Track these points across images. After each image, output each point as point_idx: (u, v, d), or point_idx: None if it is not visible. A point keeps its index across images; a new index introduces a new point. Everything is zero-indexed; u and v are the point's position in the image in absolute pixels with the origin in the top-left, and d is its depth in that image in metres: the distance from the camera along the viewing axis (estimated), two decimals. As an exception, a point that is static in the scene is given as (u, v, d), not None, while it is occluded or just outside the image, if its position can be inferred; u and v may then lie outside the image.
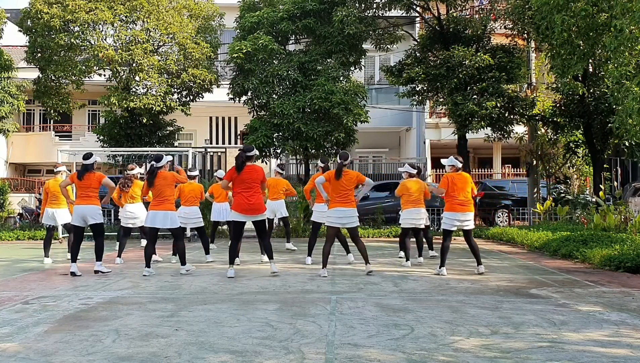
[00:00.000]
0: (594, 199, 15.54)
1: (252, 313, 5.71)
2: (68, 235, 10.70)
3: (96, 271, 8.66)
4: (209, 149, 20.35)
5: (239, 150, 8.53)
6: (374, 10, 17.88)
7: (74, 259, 8.60)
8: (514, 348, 4.43)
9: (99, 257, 8.69)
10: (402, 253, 10.13)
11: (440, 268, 8.51)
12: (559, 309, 5.94)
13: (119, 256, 10.27)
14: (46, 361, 4.14)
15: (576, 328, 5.08)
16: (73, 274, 8.44)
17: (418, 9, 18.29)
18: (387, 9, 17.54)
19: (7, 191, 20.35)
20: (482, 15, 17.79)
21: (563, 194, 17.82)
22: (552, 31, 11.79)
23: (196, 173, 10.99)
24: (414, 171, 10.03)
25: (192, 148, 19.23)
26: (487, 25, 17.36)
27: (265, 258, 10.05)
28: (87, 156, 8.76)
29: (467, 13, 18.38)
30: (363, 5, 17.76)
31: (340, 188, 8.24)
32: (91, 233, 8.89)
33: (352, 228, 8.46)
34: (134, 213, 10.46)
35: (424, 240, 10.52)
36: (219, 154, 21.42)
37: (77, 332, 4.97)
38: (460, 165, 8.52)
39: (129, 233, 10.84)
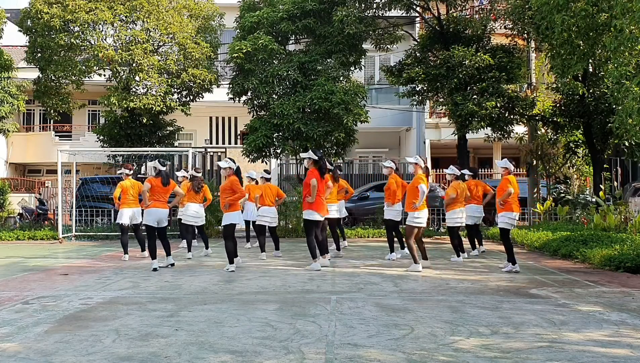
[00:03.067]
0: (594, 199, 15.53)
1: (252, 313, 5.71)
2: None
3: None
4: (209, 149, 20.36)
5: (318, 158, 9.08)
6: (374, 10, 17.86)
7: (154, 256, 9.16)
8: (514, 348, 4.44)
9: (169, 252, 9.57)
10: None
11: (514, 265, 8.95)
12: (559, 309, 5.94)
13: (189, 250, 10.98)
14: (46, 361, 4.14)
15: (576, 328, 5.08)
16: (156, 269, 9.03)
17: (418, 9, 18.27)
18: (387, 9, 17.52)
19: (7, 191, 20.34)
20: (482, 15, 17.77)
21: (563, 194, 17.80)
22: (552, 31, 11.79)
23: (269, 176, 11.48)
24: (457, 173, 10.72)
25: (192, 148, 19.22)
26: (487, 25, 17.34)
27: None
28: (164, 162, 9.28)
29: (467, 13, 18.36)
30: (363, 5, 17.74)
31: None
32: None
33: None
34: (198, 212, 11.18)
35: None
36: (219, 154, 21.41)
37: (77, 332, 4.97)
38: (512, 168, 9.23)
39: (194, 231, 11.56)
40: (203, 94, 19.77)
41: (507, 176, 9.10)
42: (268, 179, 11.32)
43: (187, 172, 12.30)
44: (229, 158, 9.56)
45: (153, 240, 9.18)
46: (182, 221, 11.64)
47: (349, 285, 7.58)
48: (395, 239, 10.81)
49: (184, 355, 4.23)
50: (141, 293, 7.02)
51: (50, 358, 4.19)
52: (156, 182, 9.09)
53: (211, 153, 20.02)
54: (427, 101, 19.14)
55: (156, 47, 18.93)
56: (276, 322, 5.31)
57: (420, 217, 9.05)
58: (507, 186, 8.93)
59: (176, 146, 20.98)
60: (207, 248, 11.44)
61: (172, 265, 9.47)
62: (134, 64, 18.01)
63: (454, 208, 10.48)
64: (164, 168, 9.17)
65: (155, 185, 9.08)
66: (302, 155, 10.21)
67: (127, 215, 10.46)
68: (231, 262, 9.07)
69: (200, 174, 11.45)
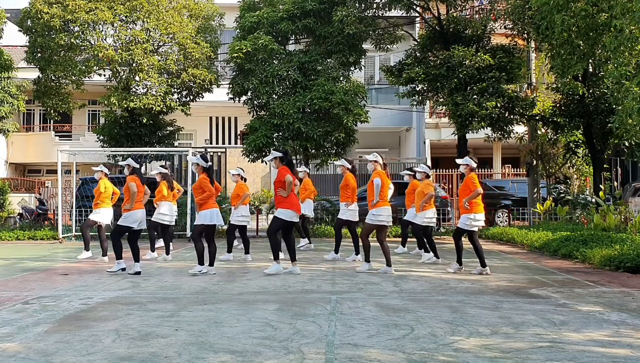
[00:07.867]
0: (594, 199, 15.53)
1: (252, 313, 5.71)
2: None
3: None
4: (209, 149, 20.35)
5: (284, 154, 8.74)
6: (374, 10, 17.86)
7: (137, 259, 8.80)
8: (514, 348, 4.43)
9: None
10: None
11: (460, 266, 8.94)
12: (559, 309, 5.94)
13: (168, 253, 10.81)
14: (46, 361, 4.14)
15: (576, 328, 5.08)
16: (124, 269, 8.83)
17: (418, 9, 18.27)
18: (387, 9, 17.52)
19: (7, 191, 20.33)
20: (482, 15, 17.78)
21: (563, 194, 17.81)
22: (552, 31, 11.79)
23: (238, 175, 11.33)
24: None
25: (192, 148, 19.21)
26: (487, 25, 17.35)
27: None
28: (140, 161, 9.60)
29: (467, 13, 18.37)
30: (363, 5, 17.74)
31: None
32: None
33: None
34: (174, 210, 10.89)
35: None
36: (219, 154, 21.43)
37: (77, 332, 4.97)
38: (474, 165, 8.85)
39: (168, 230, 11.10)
40: (203, 94, 19.77)
41: (470, 173, 8.58)
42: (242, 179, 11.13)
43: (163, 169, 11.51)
44: (200, 155, 9.08)
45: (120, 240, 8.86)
46: (154, 220, 10.79)
47: (349, 285, 7.58)
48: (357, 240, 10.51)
49: (184, 355, 4.23)
50: (141, 293, 7.02)
51: (50, 358, 4.19)
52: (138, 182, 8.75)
53: (211, 153, 20.01)
54: (427, 101, 19.15)
55: (156, 47, 18.92)
56: (276, 322, 5.31)
57: (381, 215, 8.82)
58: (473, 185, 8.39)
59: (176, 146, 20.97)
60: (167, 253, 10.77)
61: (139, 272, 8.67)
62: (134, 64, 18.00)
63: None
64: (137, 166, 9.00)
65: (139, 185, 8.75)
66: (267, 159, 9.71)
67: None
68: (201, 264, 8.53)
69: (167, 171, 10.97)
